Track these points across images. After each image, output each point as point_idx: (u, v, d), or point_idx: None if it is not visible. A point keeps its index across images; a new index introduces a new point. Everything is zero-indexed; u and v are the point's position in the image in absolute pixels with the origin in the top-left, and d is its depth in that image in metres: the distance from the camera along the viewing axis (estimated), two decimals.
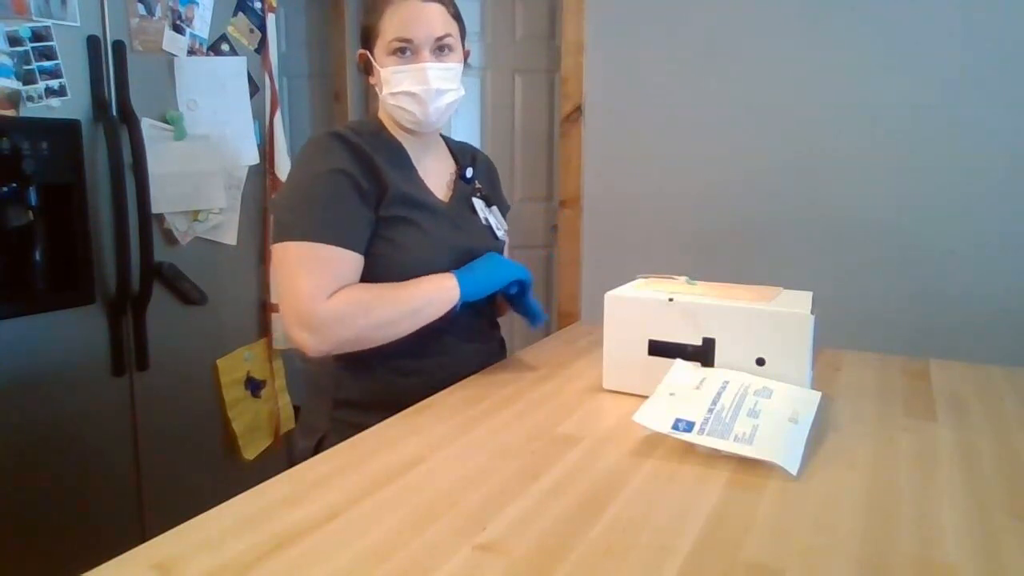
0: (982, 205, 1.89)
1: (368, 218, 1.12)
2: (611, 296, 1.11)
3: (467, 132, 2.88)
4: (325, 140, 1.13)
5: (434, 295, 1.13)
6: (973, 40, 1.85)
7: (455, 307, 1.14)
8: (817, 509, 0.74)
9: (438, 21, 1.15)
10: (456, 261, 1.18)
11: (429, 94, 1.15)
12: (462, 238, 1.21)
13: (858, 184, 2.01)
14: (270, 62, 1.97)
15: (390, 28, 1.14)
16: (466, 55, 1.24)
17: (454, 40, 1.18)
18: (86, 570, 0.61)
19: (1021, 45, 1.81)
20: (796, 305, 1.03)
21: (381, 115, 1.24)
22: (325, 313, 1.07)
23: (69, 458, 1.61)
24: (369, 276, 1.13)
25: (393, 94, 1.16)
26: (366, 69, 1.22)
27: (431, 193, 1.22)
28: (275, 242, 1.12)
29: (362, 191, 1.11)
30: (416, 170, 1.22)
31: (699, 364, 1.05)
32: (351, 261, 1.11)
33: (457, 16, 1.21)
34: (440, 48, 1.16)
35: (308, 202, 1.10)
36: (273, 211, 1.18)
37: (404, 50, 1.14)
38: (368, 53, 1.20)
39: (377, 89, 1.20)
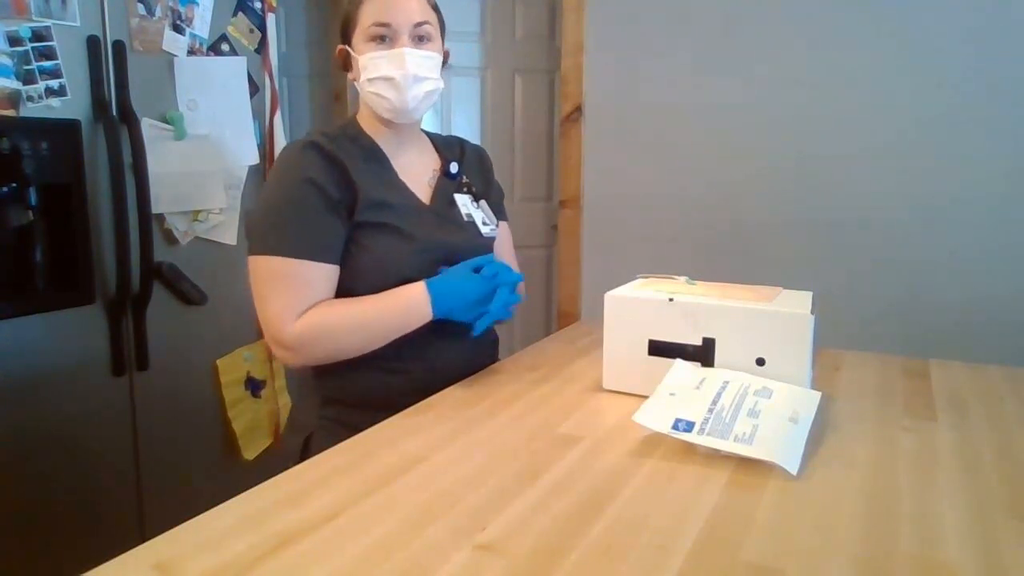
0: (983, 206, 1.89)
1: (340, 228, 1.12)
2: (611, 296, 1.11)
3: (467, 132, 2.88)
4: (296, 151, 1.13)
5: (405, 318, 1.12)
6: (975, 41, 1.85)
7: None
8: (817, 509, 0.74)
9: (416, 8, 1.16)
10: (439, 260, 1.17)
11: (407, 79, 1.14)
12: (443, 236, 1.19)
13: (858, 184, 2.01)
14: (270, 62, 1.97)
15: (368, 15, 1.15)
16: (446, 55, 1.23)
17: (433, 29, 1.18)
18: (86, 570, 0.61)
19: (1023, 46, 1.82)
20: (796, 305, 1.03)
21: (360, 116, 1.24)
22: (293, 336, 1.08)
23: (69, 458, 1.61)
24: (351, 283, 1.13)
25: (370, 80, 1.16)
26: (344, 65, 1.22)
27: (410, 193, 1.21)
28: (249, 255, 1.12)
29: (333, 201, 1.11)
30: (394, 170, 1.21)
31: (699, 364, 1.05)
32: (323, 274, 1.11)
33: (435, 8, 1.22)
34: (419, 37, 1.16)
35: (278, 215, 1.10)
36: (246, 224, 1.18)
37: (383, 37, 1.15)
38: (347, 47, 1.20)
39: (356, 84, 1.20)
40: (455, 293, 1.12)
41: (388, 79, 1.15)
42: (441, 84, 1.21)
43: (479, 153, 1.38)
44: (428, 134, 1.33)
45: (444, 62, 1.23)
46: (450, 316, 1.13)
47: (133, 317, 1.70)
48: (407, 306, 1.12)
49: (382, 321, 1.11)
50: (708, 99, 2.18)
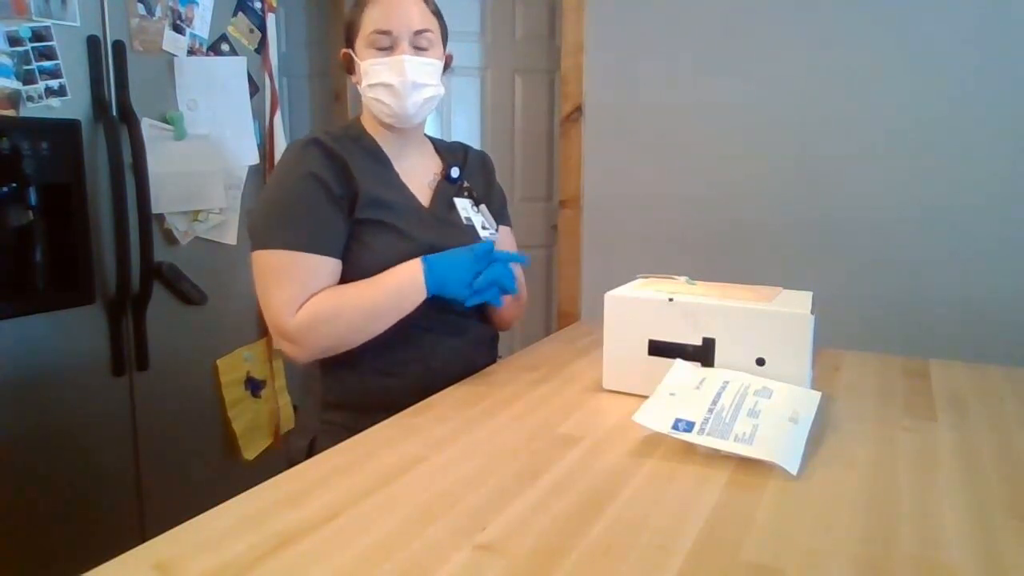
0: (983, 205, 1.89)
1: (341, 222, 1.13)
2: (611, 296, 1.11)
3: (467, 132, 2.88)
4: (298, 148, 1.14)
5: (399, 290, 1.12)
6: (975, 41, 1.85)
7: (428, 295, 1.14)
8: (817, 509, 0.74)
9: (417, 14, 1.17)
10: None
11: (406, 86, 1.15)
12: (442, 239, 1.19)
13: (858, 184, 2.01)
14: (270, 62, 1.97)
15: (369, 21, 1.16)
16: (448, 60, 1.24)
17: (433, 36, 1.19)
18: (86, 570, 0.61)
19: (1023, 46, 1.81)
20: (796, 305, 1.03)
21: (363, 117, 1.25)
22: (295, 327, 1.08)
23: (69, 458, 1.61)
24: (351, 280, 1.13)
25: (371, 86, 1.17)
26: (348, 68, 1.23)
27: (410, 194, 1.22)
28: (252, 250, 1.13)
29: (334, 195, 1.12)
30: (395, 171, 1.22)
31: (699, 364, 1.05)
32: (325, 266, 1.11)
33: (437, 14, 1.22)
34: (419, 44, 1.17)
35: (280, 210, 1.11)
36: (249, 220, 1.18)
37: (383, 44, 1.16)
38: (350, 51, 1.21)
39: (359, 87, 1.21)
40: (449, 265, 1.13)
41: (388, 85, 1.16)
42: (442, 90, 1.22)
43: (482, 158, 1.39)
44: (432, 139, 1.34)
45: (446, 67, 1.24)
46: (443, 291, 1.13)
47: (133, 317, 1.70)
48: (400, 279, 1.12)
49: (376, 298, 1.11)
50: (708, 99, 2.18)
